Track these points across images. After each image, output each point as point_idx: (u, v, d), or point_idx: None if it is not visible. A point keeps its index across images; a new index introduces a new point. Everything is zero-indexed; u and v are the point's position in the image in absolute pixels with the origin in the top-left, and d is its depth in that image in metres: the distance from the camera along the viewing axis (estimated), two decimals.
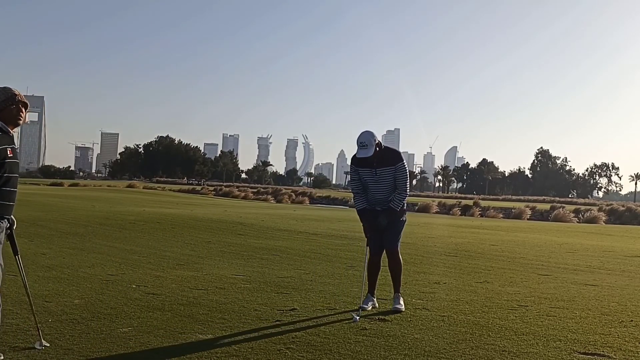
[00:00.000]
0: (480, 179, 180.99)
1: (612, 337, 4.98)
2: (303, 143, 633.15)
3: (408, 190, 5.95)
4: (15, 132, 4.30)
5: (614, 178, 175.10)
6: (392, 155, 5.83)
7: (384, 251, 6.04)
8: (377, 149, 5.72)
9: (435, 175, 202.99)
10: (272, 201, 48.93)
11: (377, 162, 5.78)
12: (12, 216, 4.12)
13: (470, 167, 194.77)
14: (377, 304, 6.00)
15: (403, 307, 5.81)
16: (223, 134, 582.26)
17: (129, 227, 13.99)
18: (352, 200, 6.17)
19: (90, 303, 5.82)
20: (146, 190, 53.26)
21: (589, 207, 54.07)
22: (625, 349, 4.64)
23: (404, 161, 5.88)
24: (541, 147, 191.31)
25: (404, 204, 6.04)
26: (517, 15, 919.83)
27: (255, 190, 70.72)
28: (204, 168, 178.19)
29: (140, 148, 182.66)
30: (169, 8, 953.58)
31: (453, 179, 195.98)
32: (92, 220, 15.25)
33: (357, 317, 5.38)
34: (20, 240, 10.72)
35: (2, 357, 4.09)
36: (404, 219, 6.09)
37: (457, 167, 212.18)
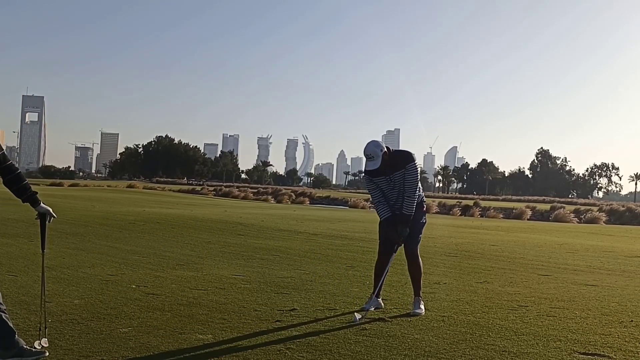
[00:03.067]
0: (480, 179, 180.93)
1: (612, 338, 4.98)
2: (303, 143, 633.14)
3: (418, 192, 5.84)
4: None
5: (614, 178, 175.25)
6: (403, 158, 5.77)
7: (405, 254, 5.99)
8: (385, 157, 5.66)
9: (435, 175, 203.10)
10: (272, 201, 48.93)
11: (389, 168, 5.73)
12: (45, 206, 4.26)
13: (470, 167, 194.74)
14: (382, 305, 5.97)
15: (423, 311, 5.75)
16: (223, 134, 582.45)
17: (129, 227, 13.99)
18: (375, 210, 6.06)
19: (90, 303, 5.82)
20: (146, 190, 53.26)
21: (589, 207, 54.08)
22: (626, 349, 4.64)
23: (415, 162, 5.81)
24: (541, 147, 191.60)
25: (423, 205, 5.99)
26: (517, 15, 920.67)
27: (255, 190, 70.70)
28: (204, 168, 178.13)
29: (140, 148, 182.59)
30: (168, 8, 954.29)
31: (453, 179, 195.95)
32: (92, 220, 15.26)
33: (358, 318, 5.38)
34: (20, 241, 10.78)
35: (46, 354, 4.12)
36: (424, 220, 6.04)
37: (457, 167, 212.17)
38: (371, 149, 5.64)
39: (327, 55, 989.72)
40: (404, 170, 5.73)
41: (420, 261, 5.97)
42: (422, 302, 5.89)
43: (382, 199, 5.88)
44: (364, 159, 5.82)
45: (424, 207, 6.01)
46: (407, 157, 5.78)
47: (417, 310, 5.74)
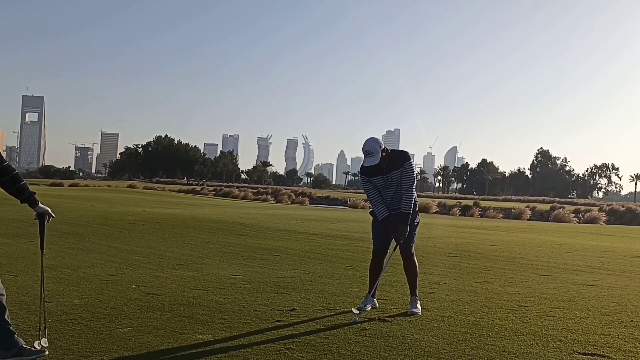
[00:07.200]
0: (480, 179, 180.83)
1: (612, 338, 4.98)
2: (303, 143, 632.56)
3: (414, 190, 5.86)
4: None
5: (614, 178, 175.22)
6: (400, 157, 5.80)
7: (399, 253, 6.01)
8: (384, 154, 5.69)
9: (435, 175, 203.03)
10: (271, 201, 48.90)
11: (387, 167, 5.75)
12: (43, 206, 4.26)
13: (470, 167, 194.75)
14: (377, 305, 5.99)
15: (420, 310, 5.76)
16: (223, 134, 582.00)
17: (128, 227, 13.99)
18: (372, 209, 6.04)
19: (90, 303, 5.82)
20: (146, 190, 53.24)
21: (589, 207, 54.11)
22: (625, 350, 4.64)
23: (412, 161, 5.85)
24: (541, 148, 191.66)
25: (416, 205, 6.00)
26: (517, 16, 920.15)
27: (255, 190, 70.74)
28: (204, 168, 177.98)
29: (140, 148, 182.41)
30: (169, 8, 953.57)
31: (453, 179, 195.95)
32: (92, 220, 15.25)
33: (358, 318, 5.39)
34: (20, 241, 10.78)
35: (46, 353, 4.14)
36: (417, 220, 6.06)
37: (457, 167, 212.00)
38: (370, 144, 5.66)
39: (327, 56, 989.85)
40: (402, 169, 5.75)
41: (415, 260, 5.99)
42: (418, 301, 5.90)
43: (379, 199, 5.89)
44: (363, 158, 5.83)
45: (416, 207, 6.03)
46: (404, 156, 5.83)
47: (414, 310, 5.75)
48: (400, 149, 6.09)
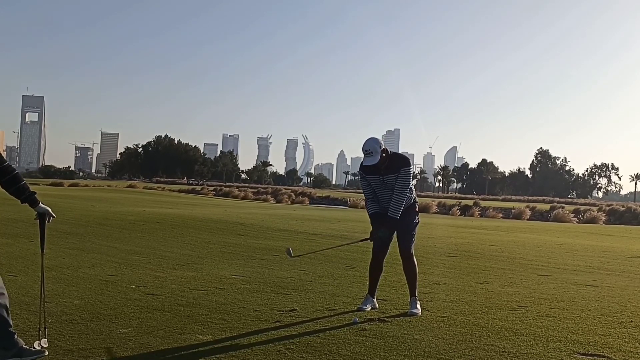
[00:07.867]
0: (480, 179, 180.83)
1: (612, 338, 4.99)
2: (303, 143, 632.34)
3: (410, 193, 5.89)
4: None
5: (614, 178, 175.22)
6: (399, 162, 5.81)
7: (399, 253, 6.04)
8: (384, 155, 5.72)
9: (435, 175, 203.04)
10: (271, 201, 48.91)
11: (385, 169, 5.78)
12: (44, 206, 4.28)
13: (470, 167, 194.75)
14: (377, 305, 5.99)
15: (419, 311, 5.77)
16: (223, 134, 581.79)
17: (128, 227, 13.99)
18: (365, 204, 6.15)
19: (90, 304, 5.82)
20: (146, 190, 53.24)
21: (588, 207, 54.10)
22: (625, 350, 4.64)
23: (410, 167, 5.86)
24: (541, 148, 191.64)
25: (415, 205, 6.05)
26: (517, 16, 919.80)
27: (255, 190, 70.75)
28: (204, 168, 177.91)
29: (140, 148, 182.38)
30: (169, 8, 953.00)
31: (453, 179, 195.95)
32: (91, 220, 15.25)
33: (358, 319, 5.39)
34: (20, 241, 10.77)
35: (46, 353, 4.14)
36: (417, 220, 6.08)
37: (456, 167, 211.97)
38: (370, 144, 5.69)
39: (327, 56, 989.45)
40: (398, 174, 5.77)
41: (414, 260, 6.01)
42: (418, 302, 5.91)
43: (372, 196, 5.96)
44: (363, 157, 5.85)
45: (416, 207, 6.08)
46: (404, 162, 5.84)
47: (413, 310, 5.76)
48: (402, 153, 6.11)
